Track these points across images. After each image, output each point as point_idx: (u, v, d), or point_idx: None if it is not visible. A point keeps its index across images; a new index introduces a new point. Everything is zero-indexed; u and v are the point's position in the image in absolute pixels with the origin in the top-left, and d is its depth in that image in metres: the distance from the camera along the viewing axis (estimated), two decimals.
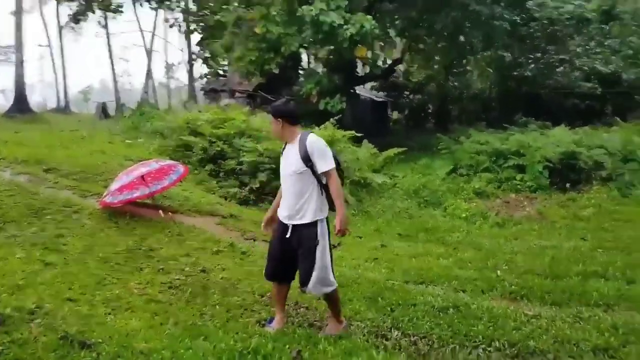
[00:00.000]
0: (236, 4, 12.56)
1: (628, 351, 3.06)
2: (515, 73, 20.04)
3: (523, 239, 6.52)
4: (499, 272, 4.96)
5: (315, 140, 3.06)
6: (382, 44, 16.16)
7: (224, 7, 13.00)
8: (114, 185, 5.20)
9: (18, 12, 21.58)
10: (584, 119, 17.35)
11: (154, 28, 32.24)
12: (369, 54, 14.36)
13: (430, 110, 24.56)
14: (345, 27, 12.44)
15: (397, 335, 3.35)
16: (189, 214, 6.00)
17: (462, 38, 18.30)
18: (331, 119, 9.17)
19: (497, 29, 17.90)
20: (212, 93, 27.52)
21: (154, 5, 18.80)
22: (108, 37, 30.14)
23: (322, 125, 9.18)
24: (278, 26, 12.56)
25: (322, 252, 3.07)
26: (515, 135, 13.23)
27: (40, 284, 3.66)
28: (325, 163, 3.02)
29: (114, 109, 28.08)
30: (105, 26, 29.19)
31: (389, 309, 3.86)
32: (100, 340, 2.74)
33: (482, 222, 7.53)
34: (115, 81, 31.25)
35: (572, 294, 4.14)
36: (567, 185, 10.78)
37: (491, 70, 21.09)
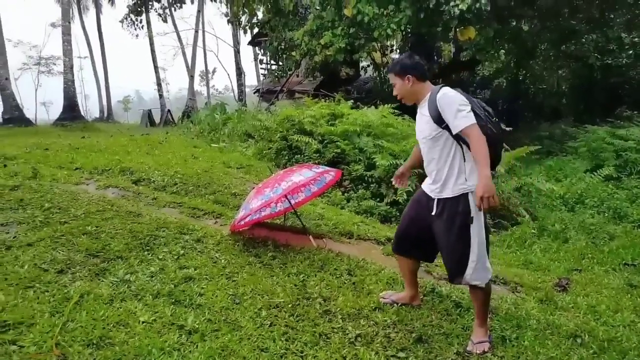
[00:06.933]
0: None
1: None
2: (608, 61, 17.83)
3: None
4: None
5: (445, 94, 2.59)
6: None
7: None
8: (255, 203, 3.77)
9: (65, 17, 21.37)
10: None
11: (200, 27, 31.81)
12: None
13: (499, 108, 22.57)
14: (453, 2, 10.77)
15: None
16: (338, 238, 4.49)
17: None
18: None
19: (617, 4, 15.59)
20: (267, 95, 26.67)
21: None
22: (152, 43, 29.71)
23: None
24: (371, 6, 11.03)
25: (478, 232, 2.62)
26: None
27: None
28: (456, 120, 2.51)
29: (158, 116, 27.58)
30: (165, 20, 28.81)
31: None
32: None
33: None
34: (159, 88, 30.84)
35: None
36: None
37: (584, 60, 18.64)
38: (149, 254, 3.54)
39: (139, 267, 3.34)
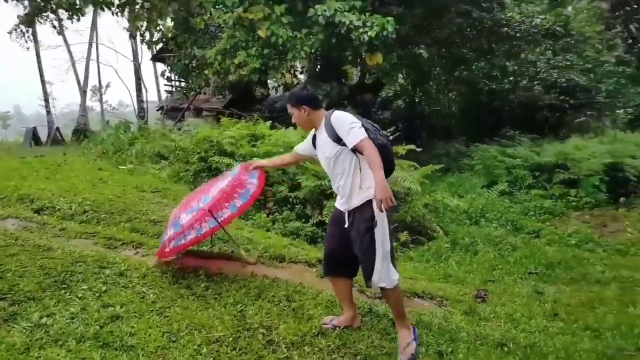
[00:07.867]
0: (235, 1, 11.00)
1: None
2: (493, 86, 20.18)
3: None
4: None
5: (337, 116, 2.94)
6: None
7: (217, 7, 11.46)
8: (184, 218, 3.61)
9: None
10: (553, 131, 17.55)
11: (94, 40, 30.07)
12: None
13: (399, 127, 24.18)
14: (362, 29, 11.33)
15: None
16: (270, 263, 4.43)
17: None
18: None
19: (501, 36, 17.58)
20: (172, 112, 25.73)
21: (116, 10, 16.74)
22: (38, 55, 27.35)
23: None
24: (285, 29, 11.21)
25: (381, 235, 2.88)
26: (551, 147, 12.62)
27: None
28: (350, 136, 2.83)
29: (44, 134, 25.13)
30: (60, 32, 26.42)
31: None
32: None
33: (601, 250, 6.43)
34: (46, 104, 28.26)
35: None
36: (621, 199, 10.10)
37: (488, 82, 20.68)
38: (66, 293, 3.20)
39: (56, 308, 3.00)
